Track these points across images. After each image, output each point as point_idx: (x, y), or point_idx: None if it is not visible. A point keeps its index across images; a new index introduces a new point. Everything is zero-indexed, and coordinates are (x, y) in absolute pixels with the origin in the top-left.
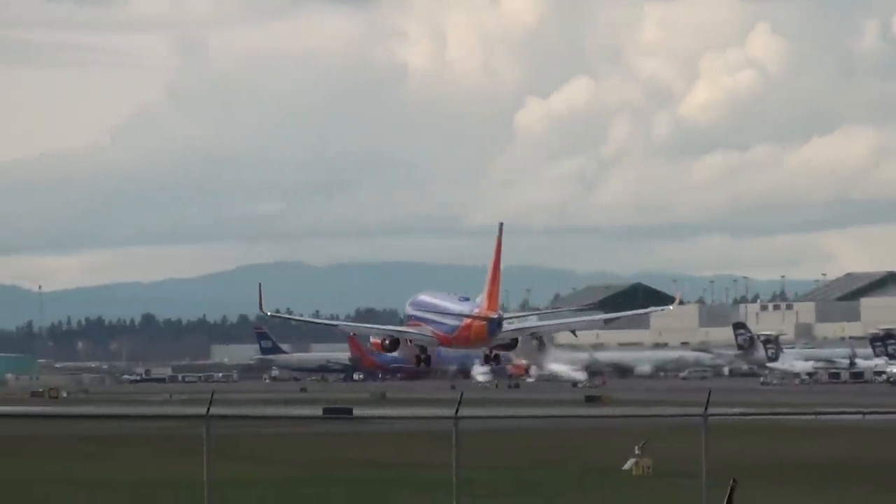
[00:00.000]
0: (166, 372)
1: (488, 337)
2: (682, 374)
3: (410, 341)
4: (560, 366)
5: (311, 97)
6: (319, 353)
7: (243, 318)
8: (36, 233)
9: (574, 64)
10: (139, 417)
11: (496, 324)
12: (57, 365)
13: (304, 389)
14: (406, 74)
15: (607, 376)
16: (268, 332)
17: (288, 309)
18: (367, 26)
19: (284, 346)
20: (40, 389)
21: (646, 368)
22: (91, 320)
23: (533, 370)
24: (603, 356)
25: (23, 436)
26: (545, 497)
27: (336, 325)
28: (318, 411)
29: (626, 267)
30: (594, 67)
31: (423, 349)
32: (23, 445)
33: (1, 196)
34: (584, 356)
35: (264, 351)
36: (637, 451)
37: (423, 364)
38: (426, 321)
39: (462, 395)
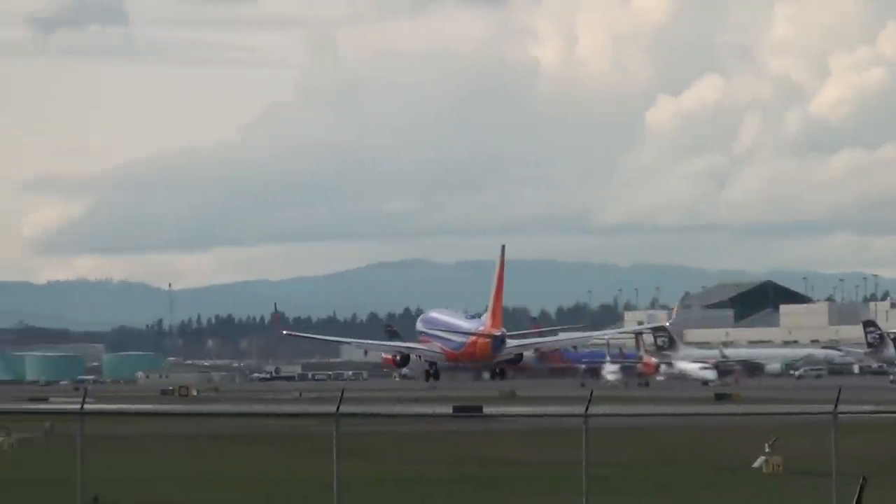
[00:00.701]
0: (296, 370)
1: (493, 353)
2: (796, 373)
3: (420, 357)
4: (690, 364)
5: (440, 95)
6: None
7: (373, 315)
8: (166, 231)
9: (704, 62)
10: (269, 416)
11: (500, 341)
12: (186, 363)
13: (434, 386)
14: (536, 73)
15: (739, 374)
16: (398, 330)
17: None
18: (497, 25)
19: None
20: (170, 387)
21: (775, 366)
22: (221, 318)
23: (662, 368)
24: (732, 353)
25: (153, 434)
26: (675, 495)
27: (349, 343)
28: (448, 409)
29: (755, 265)
30: (724, 65)
31: (432, 364)
32: (153, 443)
33: (131, 195)
34: (713, 354)
35: None
36: (767, 449)
37: (432, 378)
38: (435, 337)
39: (592, 392)
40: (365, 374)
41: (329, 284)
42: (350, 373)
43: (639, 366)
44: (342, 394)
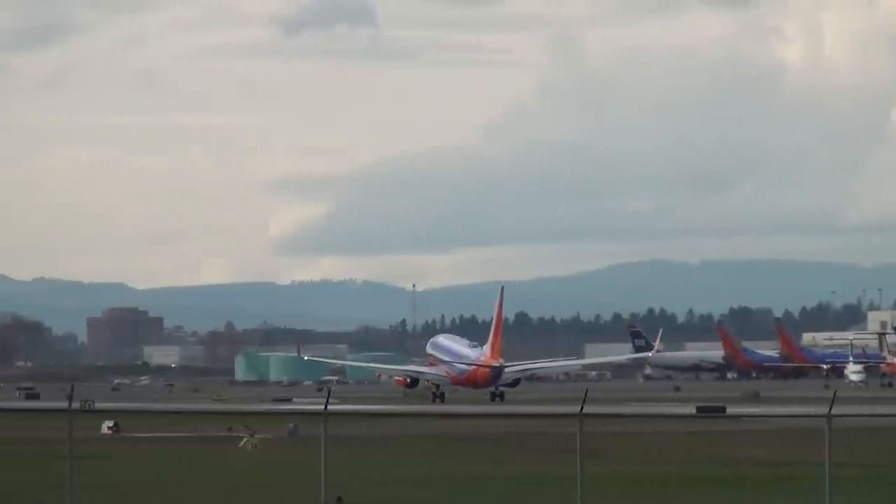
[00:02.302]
0: None
1: (491, 381)
2: None
3: (428, 381)
4: None
5: (684, 95)
6: (693, 352)
7: (616, 316)
8: (409, 232)
9: None
10: (511, 416)
11: (498, 371)
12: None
13: (677, 388)
14: (782, 72)
15: None
16: (641, 330)
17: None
18: (742, 24)
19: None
20: None
21: None
22: (464, 319)
23: None
24: None
25: (397, 435)
26: None
27: (368, 367)
28: (692, 409)
29: None
30: None
31: (437, 386)
32: (397, 444)
33: (374, 195)
34: None
35: (637, 349)
36: None
37: (437, 399)
38: (442, 361)
39: (836, 393)
40: (608, 374)
41: (572, 285)
42: (594, 373)
43: (882, 366)
44: (586, 394)
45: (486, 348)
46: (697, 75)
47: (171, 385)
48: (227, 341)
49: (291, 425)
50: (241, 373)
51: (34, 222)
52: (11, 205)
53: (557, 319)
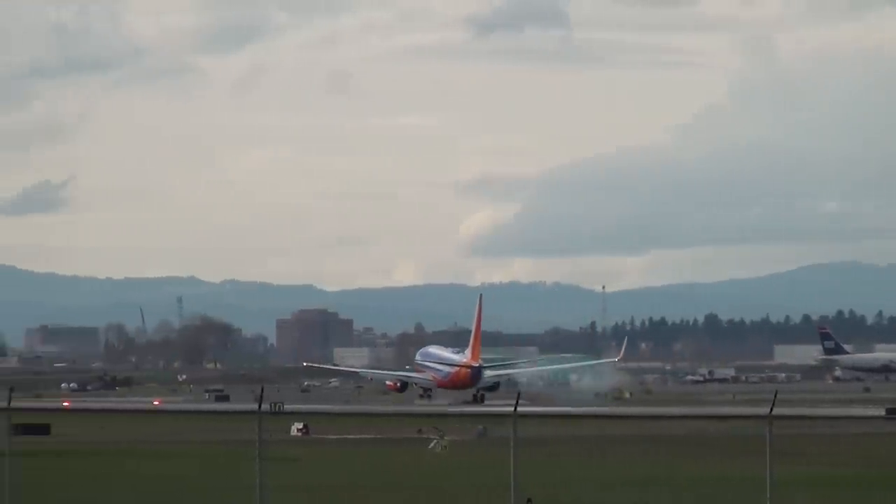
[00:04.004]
0: (729, 372)
1: (472, 381)
2: None
3: (416, 384)
4: None
5: (876, 96)
6: (883, 354)
7: (806, 318)
8: (600, 233)
9: None
10: (699, 417)
11: (478, 371)
12: (619, 366)
13: (867, 389)
14: None
15: None
16: (831, 332)
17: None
18: None
19: (847, 347)
20: (604, 390)
21: None
22: (654, 321)
23: None
24: None
25: (586, 436)
26: None
27: (357, 372)
28: (881, 411)
29: None
30: None
31: (426, 390)
32: (586, 446)
33: (564, 196)
34: None
35: (827, 351)
36: None
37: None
38: (428, 368)
39: None
40: (798, 375)
41: (761, 286)
42: (783, 375)
43: None
44: (776, 396)
45: (467, 352)
46: (889, 76)
47: (361, 387)
48: (416, 343)
49: (481, 427)
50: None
51: (225, 223)
52: (203, 206)
53: (747, 321)
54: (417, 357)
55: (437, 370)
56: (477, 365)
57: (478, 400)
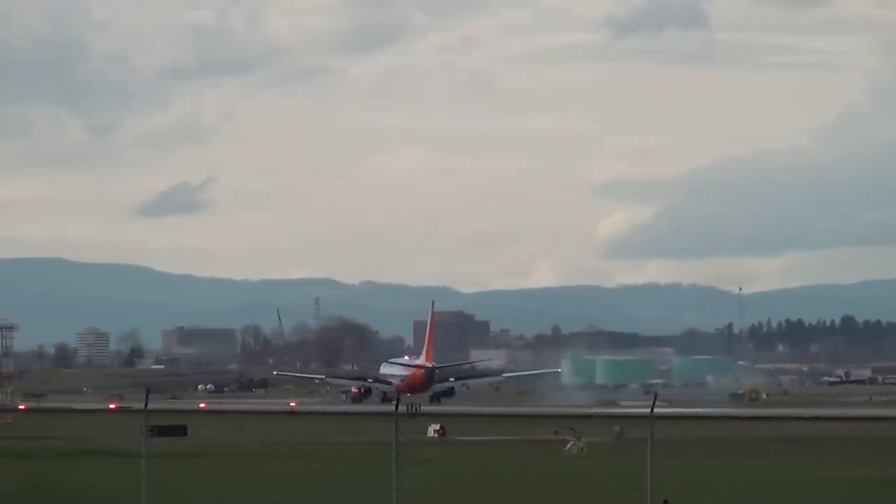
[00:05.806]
0: (866, 374)
1: (427, 382)
2: None
3: (378, 389)
4: None
5: None
6: None
7: None
8: (736, 235)
9: None
10: (832, 419)
11: (431, 372)
12: (756, 367)
13: None
14: None
15: None
16: None
17: None
18: None
19: None
20: (740, 391)
21: None
22: (791, 322)
23: None
24: None
25: (722, 437)
26: None
27: (324, 379)
28: None
29: None
30: None
31: (385, 395)
32: (722, 447)
33: (702, 198)
34: None
35: None
36: None
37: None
38: (391, 376)
39: None
40: None
41: None
42: None
43: None
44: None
45: (422, 356)
46: None
47: (498, 389)
48: (553, 344)
49: (618, 428)
50: (566, 376)
51: (362, 225)
52: (340, 208)
53: (884, 322)
54: (382, 368)
55: (397, 376)
56: (430, 366)
57: (436, 402)
